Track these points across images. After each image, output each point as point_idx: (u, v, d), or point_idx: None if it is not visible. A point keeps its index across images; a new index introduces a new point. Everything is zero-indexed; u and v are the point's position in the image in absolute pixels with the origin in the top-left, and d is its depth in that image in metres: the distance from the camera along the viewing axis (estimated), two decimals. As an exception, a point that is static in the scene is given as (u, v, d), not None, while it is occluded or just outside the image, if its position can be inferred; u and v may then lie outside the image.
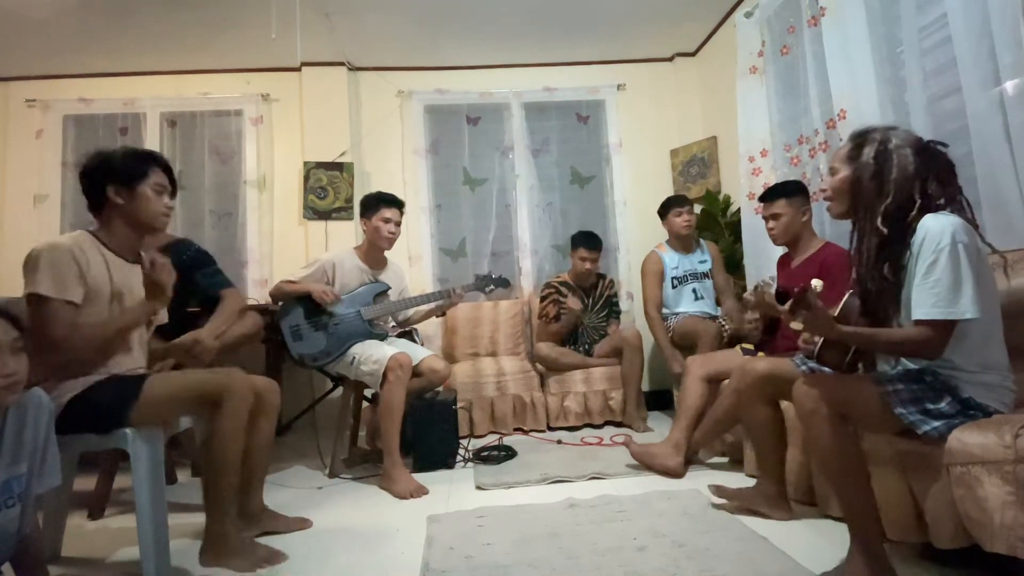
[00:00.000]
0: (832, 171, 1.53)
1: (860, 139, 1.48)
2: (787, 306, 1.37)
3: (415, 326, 3.02)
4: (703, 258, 3.30)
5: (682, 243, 3.28)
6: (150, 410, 1.53)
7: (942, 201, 1.39)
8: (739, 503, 1.84)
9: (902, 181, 1.38)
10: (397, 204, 2.71)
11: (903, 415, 1.33)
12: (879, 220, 1.38)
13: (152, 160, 1.69)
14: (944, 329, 1.31)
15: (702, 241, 3.37)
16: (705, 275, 3.28)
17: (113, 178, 1.62)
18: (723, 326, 3.02)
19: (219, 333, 1.93)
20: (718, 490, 1.89)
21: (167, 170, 1.71)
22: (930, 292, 1.30)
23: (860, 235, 1.49)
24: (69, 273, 1.49)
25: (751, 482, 1.92)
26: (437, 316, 2.96)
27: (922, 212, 1.36)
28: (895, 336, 1.40)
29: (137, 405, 1.51)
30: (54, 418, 1.30)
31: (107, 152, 1.66)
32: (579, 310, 3.28)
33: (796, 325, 1.35)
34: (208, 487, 1.59)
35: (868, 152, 1.43)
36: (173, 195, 1.74)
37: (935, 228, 1.31)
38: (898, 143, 1.41)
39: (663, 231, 3.41)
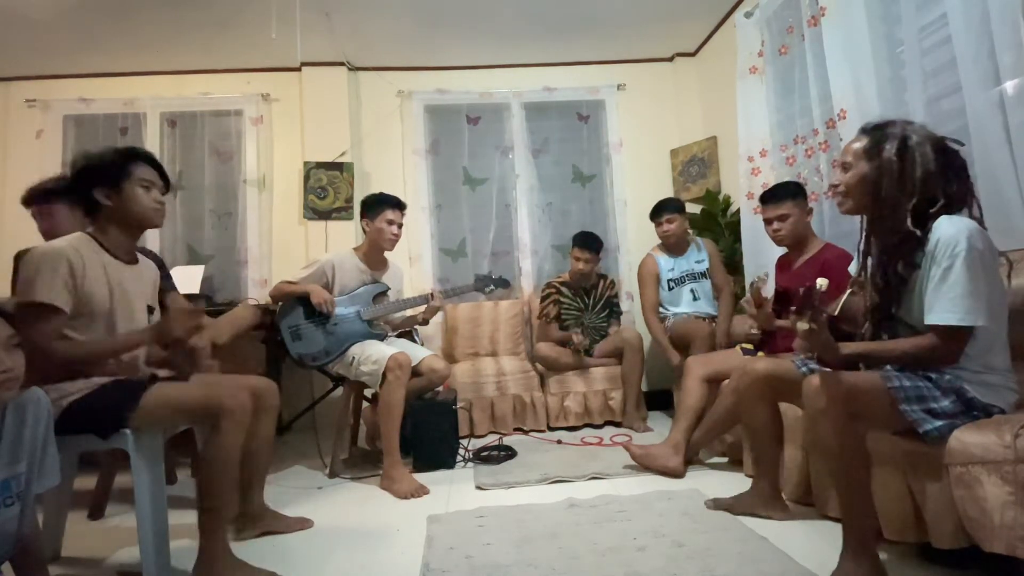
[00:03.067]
0: (844, 166, 1.48)
1: (878, 134, 1.43)
2: (792, 310, 1.36)
3: (414, 327, 3.02)
4: (700, 258, 3.28)
5: (671, 247, 3.26)
6: (148, 418, 1.53)
7: (959, 201, 1.37)
8: (737, 510, 1.84)
9: (926, 179, 1.35)
10: (400, 206, 2.71)
11: (907, 412, 1.32)
12: (907, 220, 1.35)
13: (135, 156, 1.65)
14: (960, 335, 1.30)
15: (700, 241, 3.35)
16: (703, 275, 3.26)
17: (98, 181, 1.60)
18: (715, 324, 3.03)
19: (222, 336, 1.93)
20: (715, 503, 1.90)
21: (154, 164, 1.68)
22: (946, 298, 1.29)
23: (875, 231, 1.47)
24: (59, 279, 1.48)
25: (750, 482, 1.92)
26: (420, 324, 2.94)
27: (941, 211, 1.34)
28: (904, 347, 1.39)
29: (136, 413, 1.50)
30: (53, 418, 1.30)
31: (89, 154, 1.64)
32: (580, 345, 3.25)
33: (803, 325, 1.32)
34: (203, 506, 1.55)
35: (889, 149, 1.39)
36: (166, 189, 1.72)
37: (950, 232, 1.30)
38: (918, 140, 1.38)
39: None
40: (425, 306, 2.78)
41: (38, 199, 2.17)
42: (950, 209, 1.35)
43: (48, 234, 2.02)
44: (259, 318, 2.44)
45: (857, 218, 1.57)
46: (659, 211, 3.23)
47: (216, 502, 1.56)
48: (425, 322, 2.90)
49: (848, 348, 1.38)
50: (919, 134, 1.39)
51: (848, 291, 1.57)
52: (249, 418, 1.64)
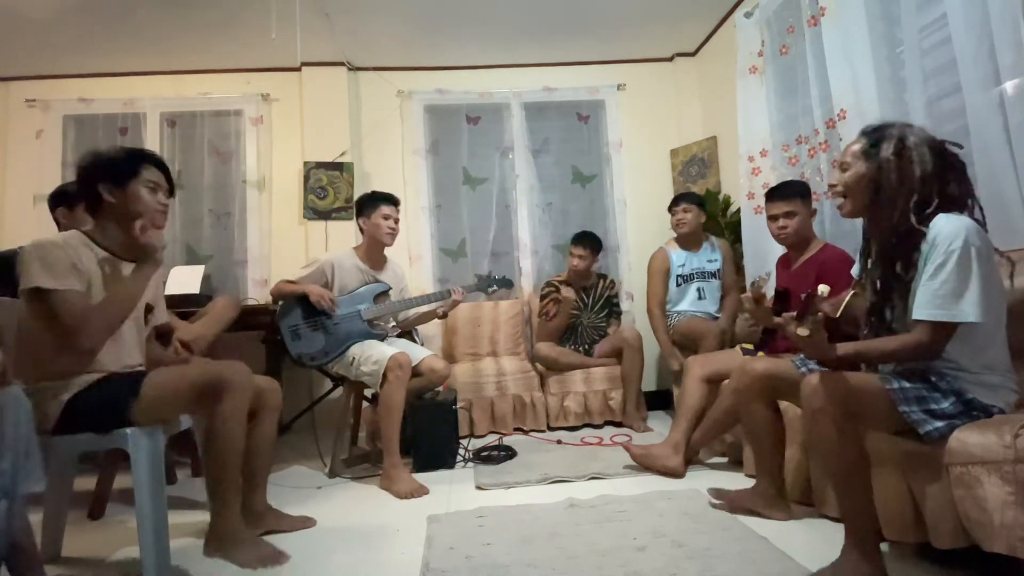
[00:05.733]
0: (843, 167, 1.50)
1: (876, 136, 1.45)
2: (793, 314, 1.36)
3: (415, 326, 3.02)
4: (712, 257, 3.27)
5: (685, 241, 3.27)
6: (151, 407, 1.53)
7: (958, 201, 1.38)
8: (738, 505, 1.85)
9: (924, 179, 1.36)
10: (394, 201, 2.73)
11: (906, 413, 1.33)
12: (911, 218, 1.36)
13: (144, 158, 1.67)
14: (942, 331, 1.31)
15: (714, 239, 3.33)
16: (713, 275, 3.25)
17: (104, 177, 1.61)
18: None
19: (210, 333, 1.94)
20: (717, 493, 1.90)
21: (161, 167, 1.70)
22: (934, 293, 1.30)
23: (874, 233, 1.48)
24: (61, 264, 1.49)
25: (751, 482, 1.92)
26: (439, 318, 2.95)
27: (938, 211, 1.35)
28: (892, 345, 1.39)
29: (137, 402, 1.50)
30: (32, 417, 1.29)
31: (99, 152, 1.66)
32: (573, 300, 3.27)
33: (803, 331, 1.32)
34: (211, 480, 1.58)
35: (887, 149, 1.40)
36: (171, 193, 1.73)
37: (947, 229, 1.30)
38: (916, 141, 1.39)
39: (663, 230, 3.42)
40: (444, 301, 2.80)
41: (62, 201, 2.18)
42: (948, 209, 1.36)
43: None
44: (239, 309, 2.46)
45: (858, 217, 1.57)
46: (677, 200, 3.26)
47: (225, 474, 1.58)
48: (444, 315, 2.91)
49: (842, 348, 1.39)
50: (917, 136, 1.41)
51: (851, 292, 1.57)
52: (252, 389, 1.64)
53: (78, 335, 1.47)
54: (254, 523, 1.86)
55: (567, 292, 3.25)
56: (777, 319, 1.42)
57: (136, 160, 1.66)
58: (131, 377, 1.57)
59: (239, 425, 1.59)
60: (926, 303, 1.31)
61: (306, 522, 1.96)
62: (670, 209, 3.29)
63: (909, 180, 1.37)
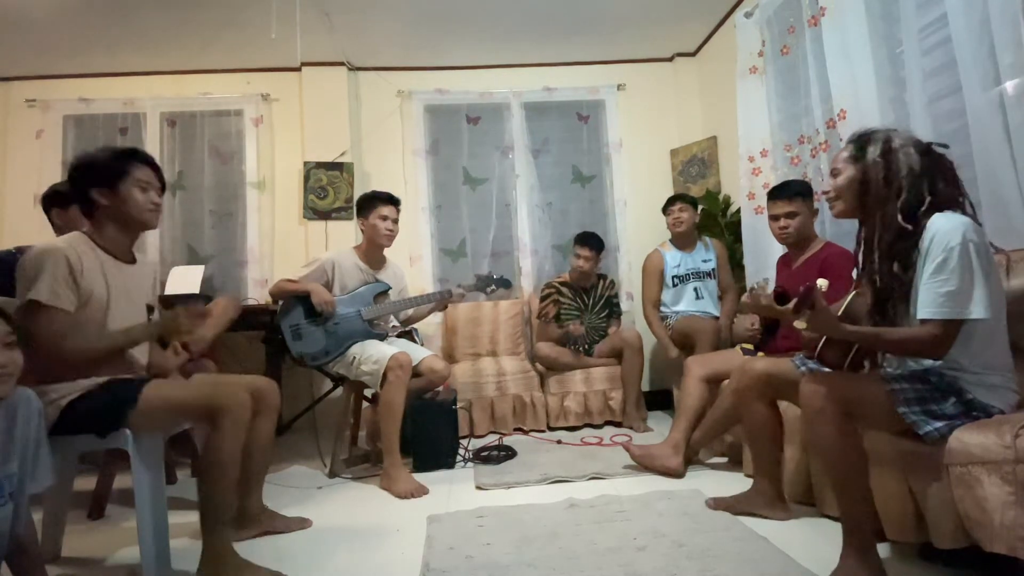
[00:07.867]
0: (834, 173, 1.53)
1: (862, 140, 1.48)
2: (791, 306, 1.37)
3: (415, 326, 3.03)
4: (707, 257, 3.29)
5: (680, 241, 3.28)
6: (147, 418, 1.53)
7: (949, 200, 1.39)
8: (737, 508, 1.85)
9: (912, 178, 1.38)
10: (393, 201, 2.72)
11: (905, 414, 1.33)
12: (898, 216, 1.37)
13: (133, 157, 1.66)
14: (950, 328, 1.30)
15: (708, 240, 3.36)
16: (709, 274, 3.27)
17: (95, 180, 1.60)
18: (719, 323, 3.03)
19: (210, 334, 1.94)
20: (716, 502, 1.90)
21: (152, 166, 1.68)
22: (937, 291, 1.30)
23: (869, 233, 1.49)
24: (62, 280, 1.48)
25: (751, 482, 1.92)
26: (439, 310, 2.96)
27: (931, 210, 1.36)
28: (899, 335, 1.40)
29: (135, 412, 1.50)
30: (45, 418, 1.29)
31: (88, 154, 1.65)
32: (579, 335, 3.27)
33: (800, 324, 1.34)
34: (205, 504, 1.55)
35: (873, 152, 1.43)
36: (162, 190, 1.72)
37: (945, 227, 1.31)
38: (901, 143, 1.42)
39: (663, 230, 3.42)
40: (450, 297, 2.82)
41: (56, 202, 2.18)
42: (941, 208, 1.37)
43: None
44: (240, 310, 2.45)
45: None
46: (672, 200, 3.29)
47: (218, 501, 1.56)
48: (444, 307, 2.93)
49: (850, 328, 1.40)
50: (902, 138, 1.43)
51: (853, 292, 1.58)
52: (249, 416, 1.63)
53: (53, 353, 1.47)
54: (250, 524, 1.86)
55: (575, 328, 3.24)
56: (781, 307, 1.44)
57: (124, 160, 1.64)
58: (131, 384, 1.57)
59: (234, 452, 1.57)
60: (931, 301, 1.31)
61: (302, 523, 1.95)
62: (665, 210, 3.31)
63: (896, 180, 1.39)
